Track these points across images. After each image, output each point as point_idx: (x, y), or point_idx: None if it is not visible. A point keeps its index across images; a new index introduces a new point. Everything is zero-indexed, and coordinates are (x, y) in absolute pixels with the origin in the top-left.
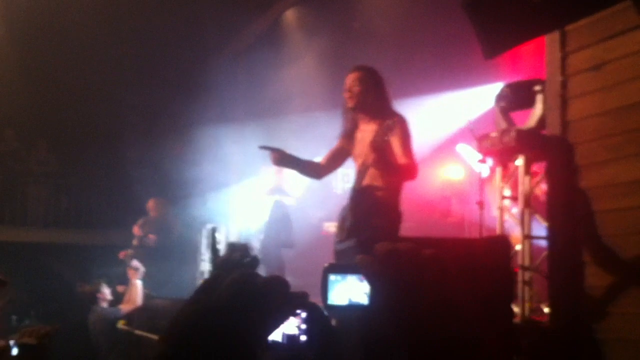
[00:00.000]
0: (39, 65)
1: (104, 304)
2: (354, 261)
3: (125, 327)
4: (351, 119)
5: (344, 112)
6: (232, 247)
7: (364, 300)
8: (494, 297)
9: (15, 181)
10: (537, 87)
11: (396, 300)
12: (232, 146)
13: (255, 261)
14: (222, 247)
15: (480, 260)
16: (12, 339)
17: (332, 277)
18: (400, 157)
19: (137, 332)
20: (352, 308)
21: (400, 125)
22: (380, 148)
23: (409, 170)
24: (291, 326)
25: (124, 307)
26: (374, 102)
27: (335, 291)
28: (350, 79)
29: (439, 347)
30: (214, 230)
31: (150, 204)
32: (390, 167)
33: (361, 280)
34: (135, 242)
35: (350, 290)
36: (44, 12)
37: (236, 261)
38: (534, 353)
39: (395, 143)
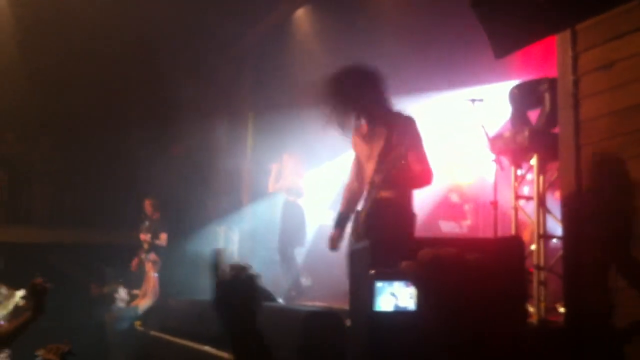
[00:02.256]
0: (42, 62)
1: (121, 304)
2: (399, 267)
3: (141, 328)
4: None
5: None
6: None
7: (409, 305)
8: (508, 298)
9: (19, 180)
10: (543, 87)
11: (442, 304)
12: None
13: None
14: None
15: (494, 260)
16: (39, 353)
17: (379, 284)
18: (413, 164)
19: (153, 332)
20: (399, 314)
21: (410, 131)
22: (395, 166)
23: (424, 176)
24: (404, 297)
25: (141, 302)
26: (369, 104)
27: (381, 297)
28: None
29: (478, 346)
30: (218, 254)
31: (147, 205)
32: (405, 179)
33: (407, 286)
34: (146, 246)
35: (395, 296)
36: (47, 7)
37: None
38: (549, 353)
39: (406, 150)
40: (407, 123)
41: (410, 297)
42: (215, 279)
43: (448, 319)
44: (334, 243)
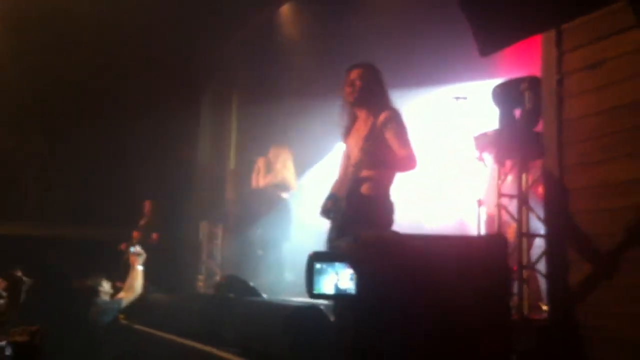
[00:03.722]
0: (34, 56)
1: (106, 297)
2: (340, 249)
3: (125, 322)
4: (350, 113)
5: (343, 107)
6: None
7: (351, 287)
8: (491, 295)
9: (11, 174)
10: (523, 85)
11: (382, 287)
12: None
13: None
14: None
15: (477, 258)
16: (3, 340)
17: (318, 266)
18: (397, 149)
19: (136, 326)
20: (339, 296)
21: (394, 118)
22: (373, 145)
23: (407, 161)
24: (344, 279)
25: (125, 295)
26: (373, 97)
27: (321, 279)
28: (354, 74)
29: (430, 334)
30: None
31: (147, 206)
32: (391, 161)
33: (348, 267)
34: (134, 242)
35: (337, 278)
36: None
37: None
38: (531, 351)
39: (390, 136)
40: (393, 112)
41: (351, 279)
42: None
43: (390, 302)
44: (326, 212)
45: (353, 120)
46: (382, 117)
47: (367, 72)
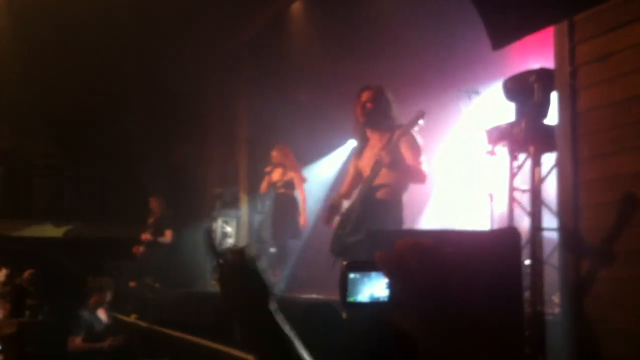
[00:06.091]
0: (42, 55)
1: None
2: (373, 257)
3: (137, 321)
4: (361, 134)
5: (354, 127)
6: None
7: (385, 295)
8: (504, 289)
9: (19, 174)
10: (532, 78)
11: (417, 297)
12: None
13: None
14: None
15: (490, 252)
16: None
17: (352, 275)
18: (410, 161)
19: (150, 325)
20: (374, 305)
21: (411, 135)
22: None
23: (417, 173)
24: (380, 287)
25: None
26: (384, 118)
27: (355, 289)
28: (365, 95)
29: (458, 342)
30: (209, 231)
31: (153, 202)
32: (404, 165)
33: (383, 276)
34: (144, 238)
35: (372, 287)
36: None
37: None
38: (543, 344)
39: (405, 148)
40: (406, 130)
41: (387, 287)
42: (217, 264)
43: (424, 312)
44: (327, 220)
45: (364, 142)
46: (398, 132)
47: (378, 94)
